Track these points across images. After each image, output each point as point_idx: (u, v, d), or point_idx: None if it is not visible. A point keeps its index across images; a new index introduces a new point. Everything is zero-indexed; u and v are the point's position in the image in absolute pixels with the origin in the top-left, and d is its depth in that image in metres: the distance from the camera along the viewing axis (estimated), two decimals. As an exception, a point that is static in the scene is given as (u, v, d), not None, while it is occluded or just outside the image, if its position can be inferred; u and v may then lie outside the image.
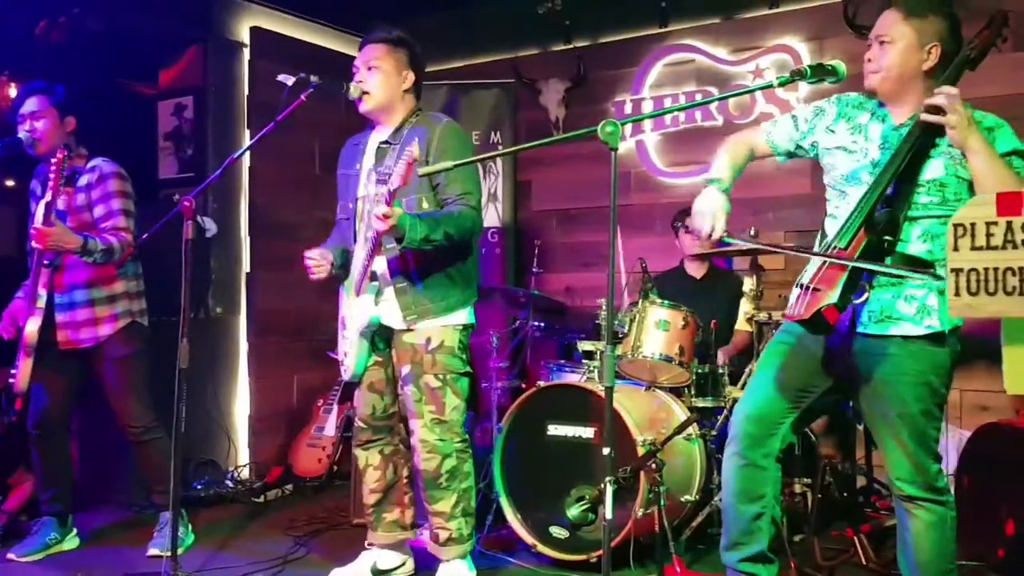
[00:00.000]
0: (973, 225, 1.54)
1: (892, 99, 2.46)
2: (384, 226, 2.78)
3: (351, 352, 3.14)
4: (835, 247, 2.31)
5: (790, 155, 2.68)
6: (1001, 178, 2.20)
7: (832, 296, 2.21)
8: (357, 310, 3.10)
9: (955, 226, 1.57)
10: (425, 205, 3.02)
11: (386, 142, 3.14)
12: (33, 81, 3.70)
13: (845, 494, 3.76)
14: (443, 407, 3.09)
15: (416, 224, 2.84)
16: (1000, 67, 3.87)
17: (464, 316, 3.15)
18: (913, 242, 2.35)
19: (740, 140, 2.70)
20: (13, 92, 4.98)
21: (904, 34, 2.38)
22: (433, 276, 3.07)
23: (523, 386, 4.37)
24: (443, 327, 3.09)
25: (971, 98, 2.48)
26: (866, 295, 2.30)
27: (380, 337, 3.17)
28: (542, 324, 4.47)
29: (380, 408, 3.26)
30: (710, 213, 2.41)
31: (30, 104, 3.62)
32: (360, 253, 3.10)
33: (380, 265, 3.08)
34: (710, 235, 2.40)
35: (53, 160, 3.41)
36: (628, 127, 5.18)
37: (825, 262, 2.30)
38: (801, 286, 2.33)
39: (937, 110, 2.25)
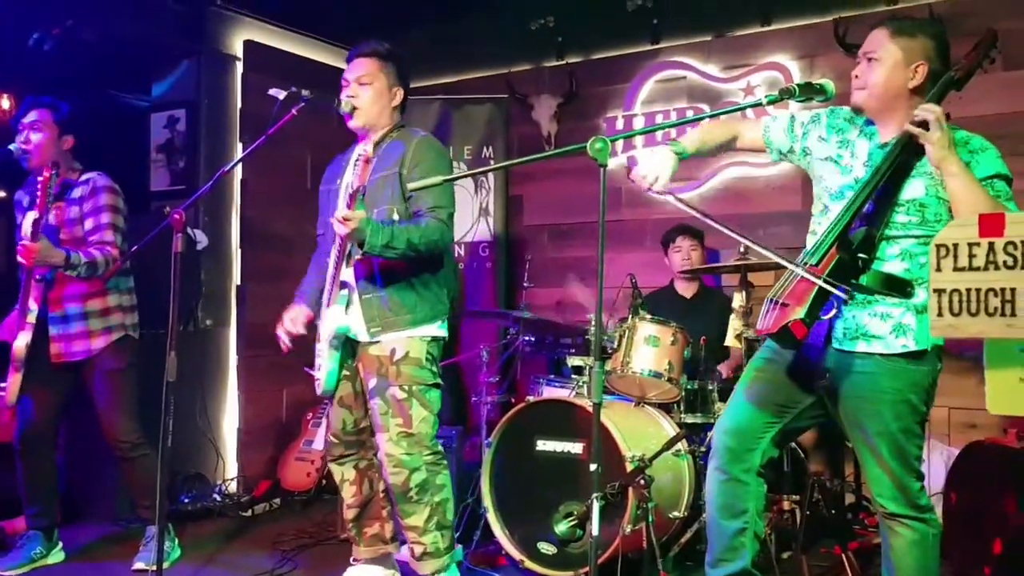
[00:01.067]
0: (956, 246, 1.55)
1: (877, 116, 2.47)
2: (344, 229, 2.79)
3: (323, 365, 3.14)
4: (807, 263, 2.32)
5: (781, 155, 2.68)
6: (977, 202, 2.19)
7: (800, 311, 2.21)
8: (327, 320, 3.09)
9: (937, 247, 1.58)
10: (396, 217, 3.02)
11: (362, 153, 3.15)
12: (43, 96, 3.69)
13: (833, 511, 3.75)
14: (410, 420, 3.06)
15: (378, 229, 2.85)
16: (991, 85, 3.89)
17: (433, 329, 3.13)
18: (889, 261, 2.36)
19: (727, 123, 2.72)
20: (6, 104, 4.98)
21: (891, 52, 2.39)
22: (400, 288, 3.06)
23: (512, 401, 4.37)
24: (409, 338, 3.07)
25: (962, 117, 2.50)
26: (834, 310, 2.30)
27: (347, 351, 3.17)
28: (532, 339, 4.47)
29: (350, 422, 3.25)
30: (655, 165, 2.42)
31: (31, 115, 3.61)
32: (331, 263, 3.11)
33: (349, 275, 3.09)
34: (651, 187, 2.41)
35: (40, 179, 3.41)
36: (620, 143, 5.20)
37: (795, 276, 2.31)
38: (771, 300, 2.34)
39: (922, 124, 2.26)
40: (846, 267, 2.25)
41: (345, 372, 3.18)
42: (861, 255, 2.27)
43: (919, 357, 2.35)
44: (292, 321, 3.21)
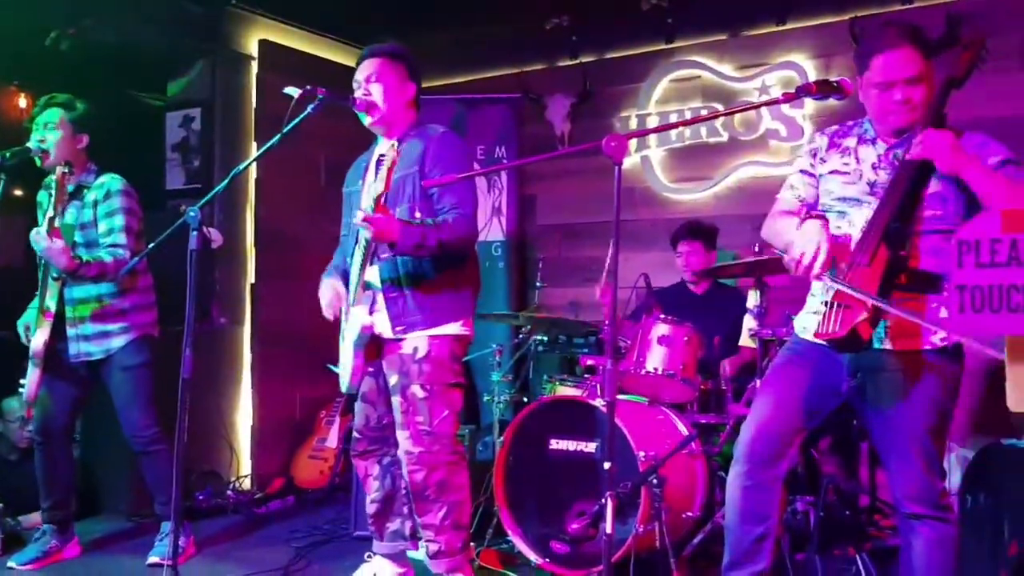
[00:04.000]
0: (978, 242, 1.55)
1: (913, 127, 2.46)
2: (369, 231, 2.79)
3: (346, 363, 3.14)
4: (856, 263, 2.31)
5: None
6: (998, 189, 2.23)
7: (864, 312, 2.21)
8: (352, 320, 3.09)
9: (960, 243, 1.57)
10: (419, 215, 3.02)
11: (384, 155, 3.15)
12: (57, 94, 3.70)
13: (848, 512, 3.74)
14: (430, 418, 3.05)
15: (409, 231, 2.86)
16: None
17: (456, 327, 3.12)
18: (922, 256, 2.37)
19: (782, 214, 2.65)
20: (23, 102, 5.01)
21: (928, 70, 2.41)
22: (424, 287, 3.05)
23: (525, 400, 4.36)
24: (431, 337, 3.06)
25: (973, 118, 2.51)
26: (893, 309, 2.30)
27: (372, 348, 3.18)
28: (544, 338, 4.47)
29: (374, 419, 3.24)
30: (813, 242, 2.27)
31: (46, 114, 3.63)
32: (356, 264, 3.12)
33: (373, 275, 3.09)
34: (810, 269, 2.27)
35: (54, 177, 3.42)
36: (634, 141, 5.18)
37: (843, 276, 2.30)
38: (827, 304, 2.32)
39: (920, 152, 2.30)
40: (894, 264, 2.27)
41: (369, 368, 3.18)
42: (900, 252, 2.29)
43: (950, 354, 2.37)
44: (331, 303, 3.19)
